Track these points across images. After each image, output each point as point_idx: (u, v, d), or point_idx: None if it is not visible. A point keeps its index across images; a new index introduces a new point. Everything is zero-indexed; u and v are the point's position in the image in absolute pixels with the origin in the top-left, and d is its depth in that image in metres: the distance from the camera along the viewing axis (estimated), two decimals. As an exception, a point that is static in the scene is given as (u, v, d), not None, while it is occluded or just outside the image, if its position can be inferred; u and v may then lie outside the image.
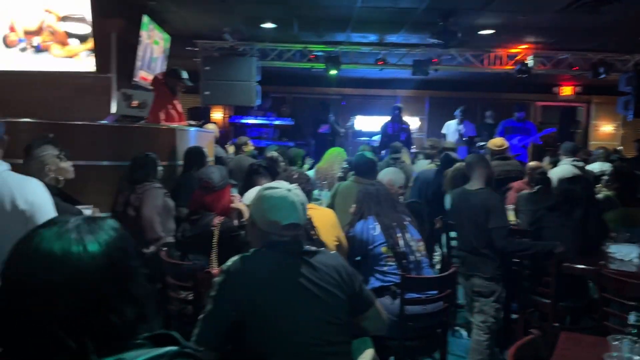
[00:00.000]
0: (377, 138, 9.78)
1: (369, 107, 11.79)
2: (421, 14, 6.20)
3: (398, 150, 7.21)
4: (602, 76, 7.78)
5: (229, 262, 1.83)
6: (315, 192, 5.71)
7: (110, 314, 0.87)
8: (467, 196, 3.87)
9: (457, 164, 5.18)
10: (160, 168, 3.99)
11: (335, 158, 5.69)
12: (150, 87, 5.63)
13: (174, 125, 5.20)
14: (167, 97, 5.39)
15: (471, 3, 5.82)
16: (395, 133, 9.05)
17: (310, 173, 6.35)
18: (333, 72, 8.06)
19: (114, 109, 5.31)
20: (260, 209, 1.86)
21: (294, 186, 1.92)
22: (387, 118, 9.29)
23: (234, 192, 4.03)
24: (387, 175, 3.99)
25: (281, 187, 1.89)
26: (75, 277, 0.86)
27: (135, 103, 4.74)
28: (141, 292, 0.93)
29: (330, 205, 4.51)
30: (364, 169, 4.45)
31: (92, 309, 0.85)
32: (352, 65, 8.42)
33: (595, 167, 6.28)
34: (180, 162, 4.87)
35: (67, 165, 2.98)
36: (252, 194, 2.33)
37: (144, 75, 6.03)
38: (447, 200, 4.91)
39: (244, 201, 2.83)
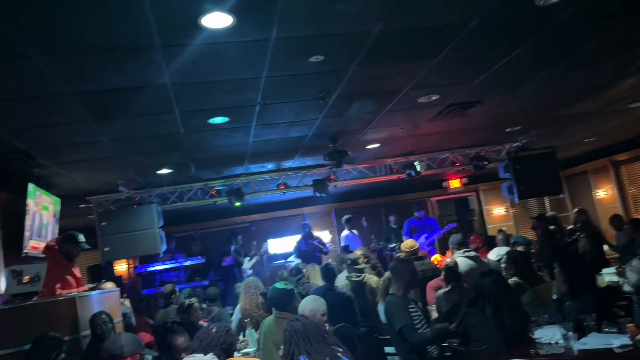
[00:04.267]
0: (292, 259, 9.73)
1: (280, 229, 11.84)
2: (311, 140, 6.55)
3: (299, 271, 7.15)
4: (482, 168, 8.52)
5: None
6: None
7: None
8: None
9: (387, 273, 5.22)
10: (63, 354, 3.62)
11: (250, 290, 5.47)
12: (42, 256, 5.25)
13: (74, 293, 4.80)
14: (63, 264, 5.03)
15: (354, 126, 6.26)
16: (309, 249, 9.10)
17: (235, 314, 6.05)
18: (237, 204, 8.08)
19: (2, 289, 4.84)
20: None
21: (210, 356, 1.79)
22: (299, 237, 9.38)
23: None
24: (307, 305, 3.86)
25: (198, 360, 1.75)
26: None
27: (26, 278, 4.37)
28: None
29: (260, 347, 4.27)
30: (281, 301, 4.29)
31: None
32: (255, 194, 8.53)
33: (494, 253, 6.64)
34: (85, 333, 4.46)
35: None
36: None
37: (34, 245, 5.63)
38: (381, 311, 4.86)
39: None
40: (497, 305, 3.72)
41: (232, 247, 9.52)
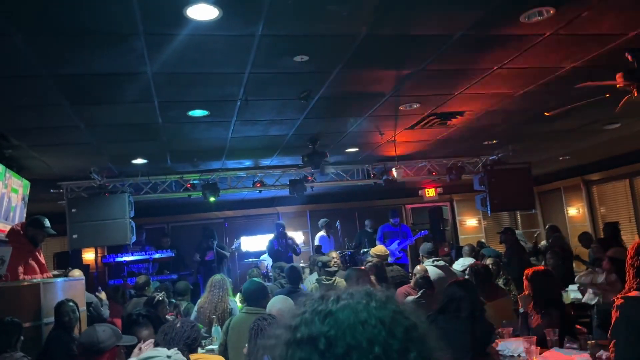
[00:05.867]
0: (265, 257, 9.69)
1: (253, 227, 11.78)
2: (291, 139, 6.53)
3: (283, 269, 7.12)
4: (457, 178, 8.61)
5: None
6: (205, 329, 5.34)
7: None
8: None
9: None
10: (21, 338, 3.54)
11: (213, 290, 5.39)
12: (6, 240, 5.12)
13: (38, 279, 4.70)
14: (27, 248, 4.92)
15: (334, 128, 6.27)
16: (282, 249, 9.06)
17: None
18: (212, 199, 8.01)
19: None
20: (139, 386, 1.67)
21: (173, 351, 1.77)
22: (272, 236, 9.34)
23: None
24: (276, 305, 3.86)
25: (160, 355, 1.73)
26: None
27: (-11, 262, 4.27)
28: None
29: (223, 343, 4.23)
30: (256, 296, 4.27)
31: None
32: (230, 190, 8.47)
33: (459, 263, 6.73)
34: (47, 321, 4.38)
35: None
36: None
37: (0, 227, 5.49)
38: None
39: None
40: (472, 312, 3.74)
41: (214, 242, 9.47)
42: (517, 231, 9.72)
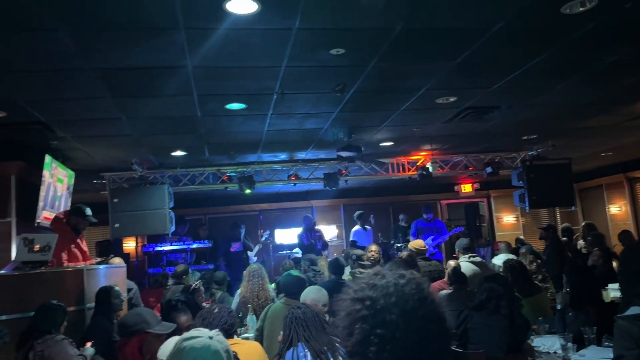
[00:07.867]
0: (297, 251, 9.79)
1: (287, 220, 11.90)
2: (326, 133, 6.56)
3: (315, 262, 7.16)
4: (495, 174, 8.46)
5: None
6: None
7: None
8: None
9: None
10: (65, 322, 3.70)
11: (253, 278, 5.48)
12: (51, 227, 5.35)
13: (81, 265, 4.90)
14: (69, 236, 5.12)
15: (369, 122, 6.27)
16: (311, 242, 9.12)
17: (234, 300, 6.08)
18: (248, 191, 8.14)
19: (14, 255, 4.95)
20: (180, 364, 1.73)
21: (215, 332, 1.83)
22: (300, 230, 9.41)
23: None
24: (309, 294, 3.91)
25: (202, 335, 1.79)
26: None
27: (37, 247, 4.47)
28: None
29: (260, 329, 4.31)
30: (294, 289, 4.32)
31: None
32: (266, 183, 8.58)
33: (500, 258, 6.64)
34: (90, 305, 4.55)
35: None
36: (168, 346, 2.16)
37: (47, 216, 5.73)
38: None
39: (159, 356, 2.58)
40: (511, 308, 3.70)
41: (242, 232, 9.61)
42: (565, 225, 9.51)
